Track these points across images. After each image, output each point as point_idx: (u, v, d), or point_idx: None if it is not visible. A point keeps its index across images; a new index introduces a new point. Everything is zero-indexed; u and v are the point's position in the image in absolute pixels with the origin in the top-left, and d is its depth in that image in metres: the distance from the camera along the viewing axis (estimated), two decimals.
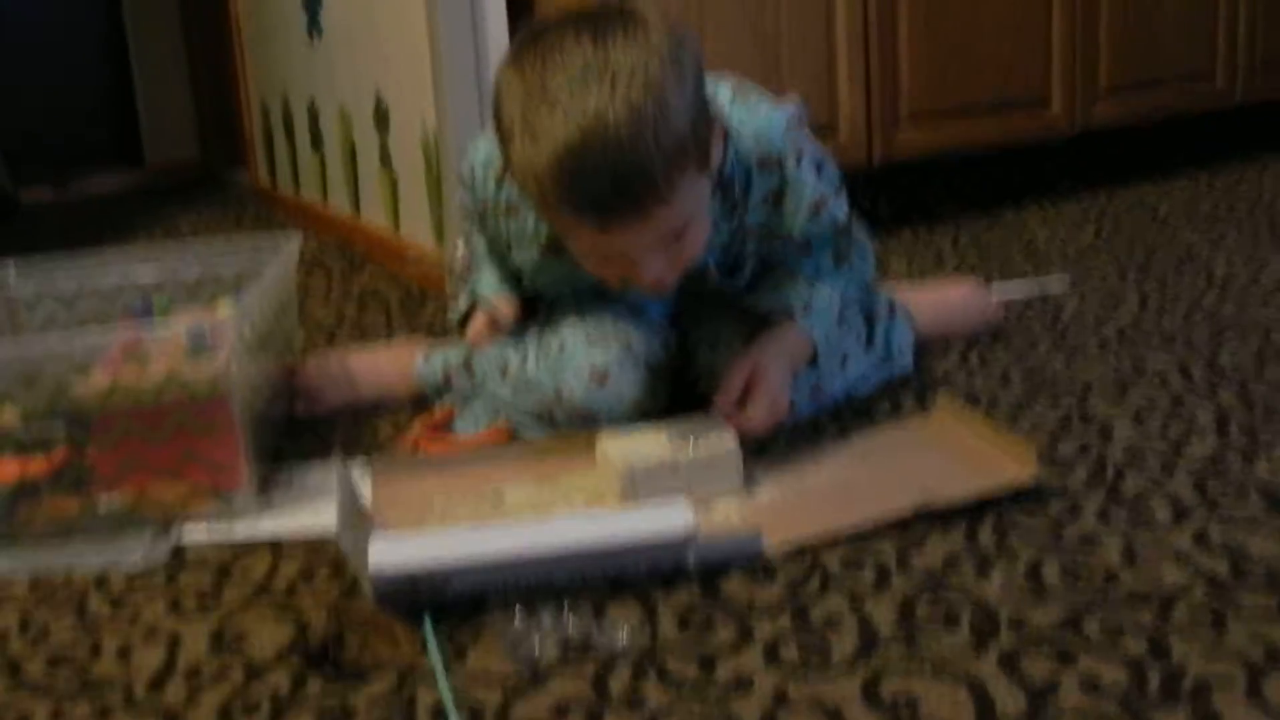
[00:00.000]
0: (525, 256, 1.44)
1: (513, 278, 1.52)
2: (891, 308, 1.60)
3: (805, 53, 2.26)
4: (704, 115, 1.20)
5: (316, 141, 2.95)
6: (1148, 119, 2.79)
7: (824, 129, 2.26)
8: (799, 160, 1.36)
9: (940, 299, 1.72)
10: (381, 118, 2.47)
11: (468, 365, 1.51)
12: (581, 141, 1.10)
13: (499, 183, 1.40)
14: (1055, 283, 1.97)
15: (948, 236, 2.40)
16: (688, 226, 1.22)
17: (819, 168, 1.40)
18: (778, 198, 1.38)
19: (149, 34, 4.25)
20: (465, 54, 2.05)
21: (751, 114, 1.35)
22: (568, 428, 1.40)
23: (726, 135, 1.30)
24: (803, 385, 1.43)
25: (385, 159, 2.49)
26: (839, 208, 1.43)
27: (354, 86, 2.61)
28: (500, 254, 1.50)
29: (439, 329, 1.95)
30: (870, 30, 2.33)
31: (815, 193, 1.38)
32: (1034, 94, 2.57)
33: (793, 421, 1.40)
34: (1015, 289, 1.95)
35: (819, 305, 1.42)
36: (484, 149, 1.41)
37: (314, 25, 2.81)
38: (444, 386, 1.55)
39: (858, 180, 2.41)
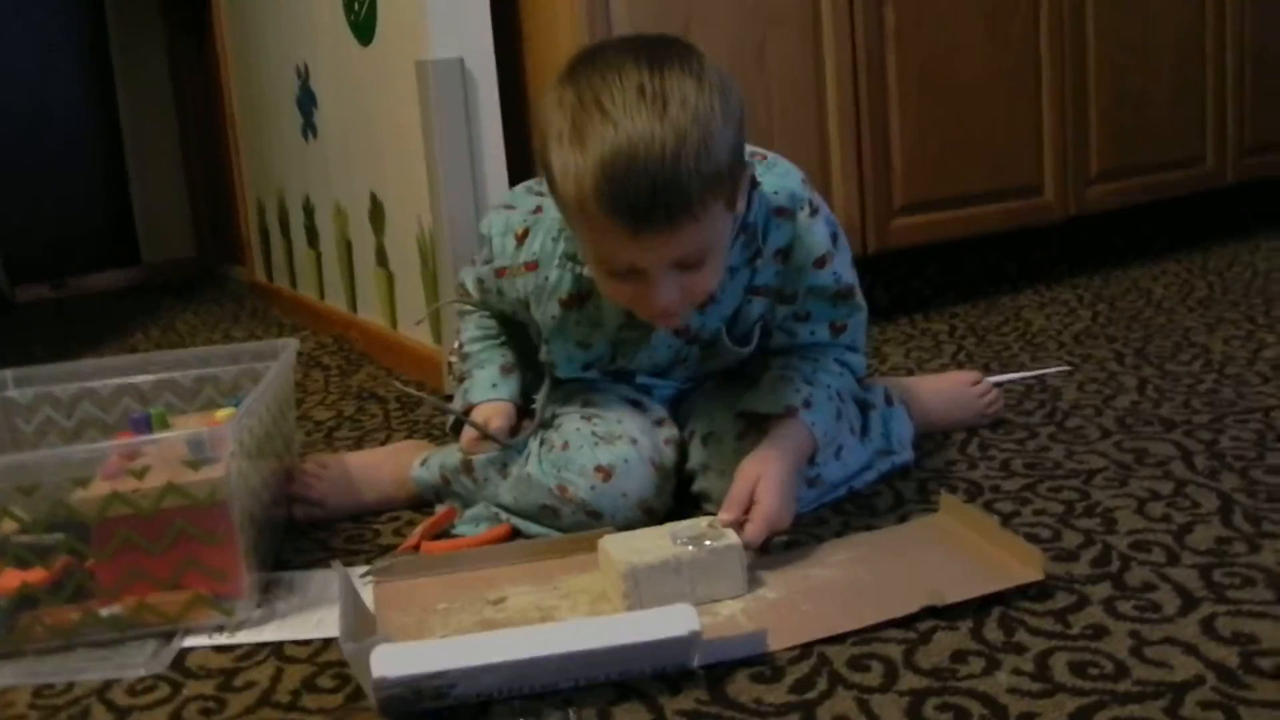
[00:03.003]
0: (546, 313, 1.45)
1: (510, 371, 1.54)
2: (889, 399, 1.60)
3: (798, 146, 2.28)
4: (740, 157, 1.25)
5: (312, 239, 2.97)
6: (1141, 201, 2.81)
7: None
8: (812, 214, 1.41)
9: (939, 390, 1.72)
10: (377, 216, 2.48)
11: (467, 467, 1.51)
12: (629, 150, 1.15)
13: (520, 243, 1.44)
14: (1054, 371, 1.98)
15: (944, 324, 2.41)
16: (707, 258, 1.25)
17: (834, 236, 1.44)
18: (788, 254, 1.41)
19: (144, 133, 4.30)
20: (460, 153, 2.07)
21: (770, 167, 1.42)
22: (572, 526, 1.40)
23: (754, 184, 1.34)
24: (800, 478, 1.42)
25: (381, 257, 2.50)
26: (844, 269, 1.46)
27: (349, 186, 2.63)
28: (510, 327, 1.55)
29: (436, 428, 1.95)
30: (862, 123, 2.35)
31: (822, 248, 1.42)
32: (1027, 182, 2.59)
33: (795, 513, 1.39)
34: (1014, 378, 1.95)
35: (819, 400, 1.42)
36: (498, 221, 1.48)
37: (309, 126, 2.84)
38: (442, 489, 1.55)
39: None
